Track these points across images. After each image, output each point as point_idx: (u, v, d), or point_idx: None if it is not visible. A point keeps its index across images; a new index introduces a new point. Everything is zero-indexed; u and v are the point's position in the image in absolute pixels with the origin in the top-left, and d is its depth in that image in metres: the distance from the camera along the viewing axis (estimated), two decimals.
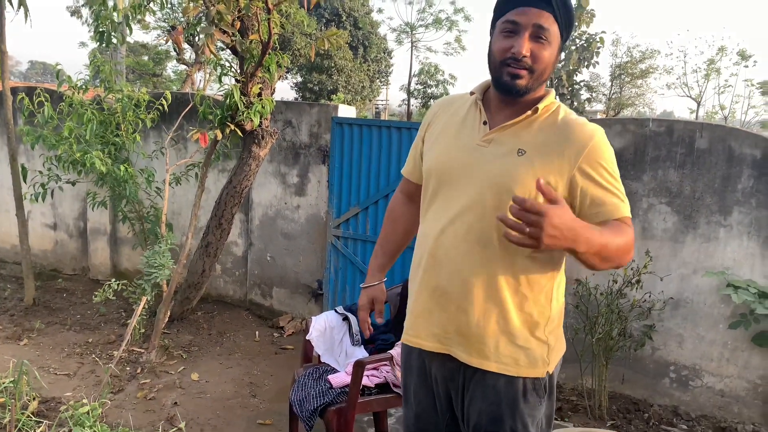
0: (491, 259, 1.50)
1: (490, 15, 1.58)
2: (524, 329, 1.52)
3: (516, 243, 1.24)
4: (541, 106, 1.50)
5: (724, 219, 3.48)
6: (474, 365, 1.55)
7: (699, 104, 26.35)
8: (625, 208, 1.47)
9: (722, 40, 35.53)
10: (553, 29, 1.46)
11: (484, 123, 1.56)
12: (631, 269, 3.55)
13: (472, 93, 1.64)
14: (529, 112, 1.50)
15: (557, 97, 1.61)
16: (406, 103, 29.73)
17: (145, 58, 20.21)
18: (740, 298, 3.27)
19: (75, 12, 19.86)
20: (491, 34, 1.55)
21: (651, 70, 25.39)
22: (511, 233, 1.24)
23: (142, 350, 4.09)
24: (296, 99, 24.76)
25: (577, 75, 16.04)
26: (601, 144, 1.48)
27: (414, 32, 29.05)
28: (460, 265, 1.53)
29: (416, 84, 29.41)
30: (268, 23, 3.55)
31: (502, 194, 1.47)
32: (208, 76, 15.66)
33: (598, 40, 14.15)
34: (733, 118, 26.46)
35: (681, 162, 3.56)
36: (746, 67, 24.66)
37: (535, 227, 1.20)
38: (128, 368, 3.89)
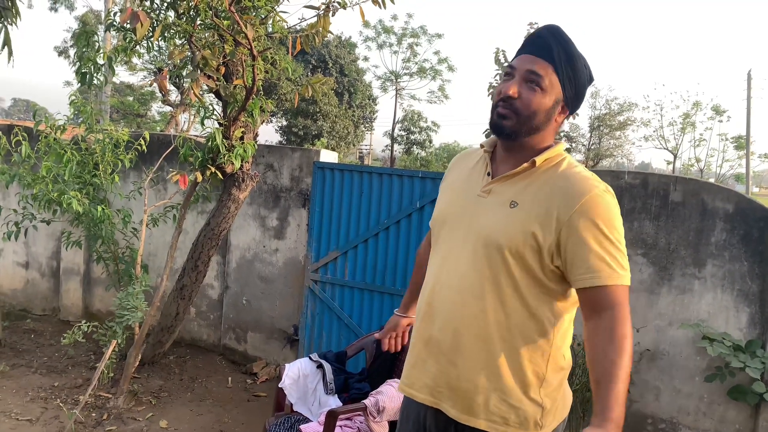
0: (483, 312, 1.47)
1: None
2: (517, 388, 1.47)
3: None
4: (540, 159, 1.49)
5: (698, 271, 3.52)
6: (462, 422, 1.51)
7: (676, 156, 27.01)
8: (613, 276, 1.37)
9: (697, 95, 36.64)
10: (550, 79, 1.47)
11: (488, 174, 1.58)
12: None
13: (481, 146, 1.67)
14: (527, 164, 1.50)
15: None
16: (390, 148, 30.06)
17: (130, 98, 20.29)
18: (715, 351, 3.28)
19: (63, 52, 20.00)
20: None
21: (629, 122, 26.10)
22: None
23: (110, 395, 3.96)
24: (281, 142, 24.94)
25: None
26: (597, 200, 1.40)
27: (399, 80, 29.62)
28: (452, 316, 1.51)
29: (400, 130, 29.84)
30: (253, 69, 3.59)
31: (490, 247, 1.47)
32: (192, 117, 15.74)
33: None
34: (709, 170, 27.11)
35: (656, 214, 3.61)
36: (720, 121, 25.41)
37: None
38: (94, 414, 3.75)
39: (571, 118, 1.64)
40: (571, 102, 1.54)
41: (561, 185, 1.45)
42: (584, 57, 1.53)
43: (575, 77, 1.51)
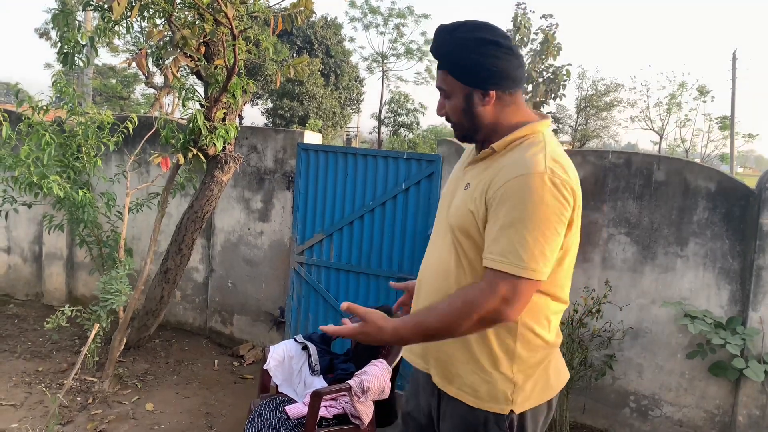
0: (450, 289, 1.55)
1: None
2: (486, 361, 1.54)
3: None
4: (498, 144, 1.52)
5: (680, 250, 3.55)
6: (440, 387, 1.62)
7: (661, 137, 27.18)
8: (500, 263, 1.38)
9: (683, 76, 36.79)
10: (448, 81, 1.53)
11: (469, 164, 1.67)
12: (591, 299, 3.58)
13: None
14: (487, 150, 1.55)
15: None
16: (377, 130, 29.94)
17: (113, 80, 19.99)
18: (696, 329, 3.31)
19: (44, 34, 19.62)
20: None
21: (615, 103, 26.17)
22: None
23: (95, 379, 3.95)
24: (267, 124, 24.72)
25: (543, 107, 16.38)
26: (524, 182, 1.38)
27: (385, 61, 29.42)
28: (429, 293, 1.63)
29: (387, 112, 29.70)
30: (234, 49, 3.54)
31: (449, 229, 1.58)
32: (176, 100, 15.54)
33: (564, 72, 14.44)
34: (694, 151, 27.31)
35: (639, 193, 3.63)
36: (704, 102, 25.56)
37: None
38: (79, 398, 3.74)
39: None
40: (486, 81, 1.48)
41: (503, 164, 1.47)
42: (464, 34, 1.48)
43: (467, 66, 1.48)
